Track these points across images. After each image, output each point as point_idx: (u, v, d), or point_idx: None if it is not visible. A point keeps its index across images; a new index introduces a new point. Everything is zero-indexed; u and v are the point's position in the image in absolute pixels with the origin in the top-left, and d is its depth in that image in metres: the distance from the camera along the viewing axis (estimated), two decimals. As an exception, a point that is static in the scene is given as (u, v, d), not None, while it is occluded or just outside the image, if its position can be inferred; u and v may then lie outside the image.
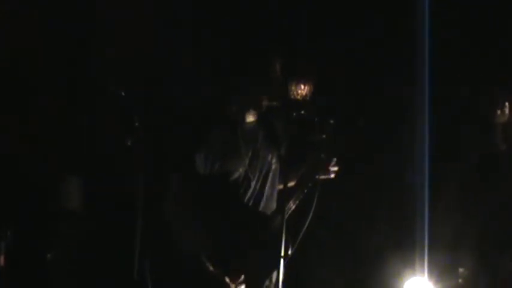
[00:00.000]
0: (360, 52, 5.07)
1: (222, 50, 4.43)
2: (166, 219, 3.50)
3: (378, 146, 5.07)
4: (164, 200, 3.51)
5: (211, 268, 3.42)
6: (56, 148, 4.97)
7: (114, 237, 4.55)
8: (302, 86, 3.68)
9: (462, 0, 5.06)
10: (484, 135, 4.72)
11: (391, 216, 5.05)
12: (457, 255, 4.61)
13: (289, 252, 3.36)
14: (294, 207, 3.55)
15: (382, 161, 5.09)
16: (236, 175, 3.51)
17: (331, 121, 3.41)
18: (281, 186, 3.55)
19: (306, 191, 3.54)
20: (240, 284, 3.47)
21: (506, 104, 4.67)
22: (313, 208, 3.48)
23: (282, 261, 3.19)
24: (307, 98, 3.69)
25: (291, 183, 3.59)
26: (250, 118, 3.58)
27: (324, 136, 3.45)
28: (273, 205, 3.62)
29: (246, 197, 3.54)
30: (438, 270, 4.62)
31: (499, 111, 4.66)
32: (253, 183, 3.54)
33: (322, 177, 3.56)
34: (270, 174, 3.60)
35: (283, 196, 3.42)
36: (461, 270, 4.66)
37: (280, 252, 3.18)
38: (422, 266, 4.63)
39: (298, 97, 3.67)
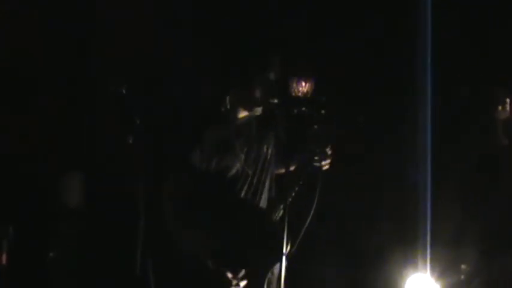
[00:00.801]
0: (360, 52, 5.08)
1: (222, 50, 4.43)
2: (166, 219, 3.50)
3: (378, 146, 5.08)
4: (164, 200, 3.51)
5: (211, 265, 3.42)
6: (56, 148, 4.98)
7: (114, 237, 4.56)
8: (303, 84, 3.67)
9: (462, 0, 5.07)
10: (484, 135, 4.73)
11: (392, 214, 5.05)
12: (459, 252, 4.61)
13: (290, 252, 3.36)
14: (291, 197, 3.53)
15: (382, 160, 5.09)
16: (234, 171, 3.52)
17: (322, 111, 3.39)
18: (282, 171, 3.54)
19: (301, 182, 3.53)
20: (242, 279, 3.47)
21: (507, 103, 4.67)
22: (313, 208, 3.48)
23: (283, 255, 3.19)
24: (308, 96, 3.68)
25: (291, 168, 3.58)
26: (244, 113, 3.57)
27: (316, 127, 3.44)
28: (272, 195, 3.62)
29: (245, 192, 3.54)
30: (440, 267, 4.62)
31: (499, 111, 4.67)
32: (250, 178, 3.54)
33: (316, 164, 3.53)
34: (267, 164, 3.59)
35: (283, 185, 3.42)
36: (463, 266, 4.66)
37: (281, 245, 3.19)
38: (424, 262, 4.63)
39: (300, 94, 3.66)
